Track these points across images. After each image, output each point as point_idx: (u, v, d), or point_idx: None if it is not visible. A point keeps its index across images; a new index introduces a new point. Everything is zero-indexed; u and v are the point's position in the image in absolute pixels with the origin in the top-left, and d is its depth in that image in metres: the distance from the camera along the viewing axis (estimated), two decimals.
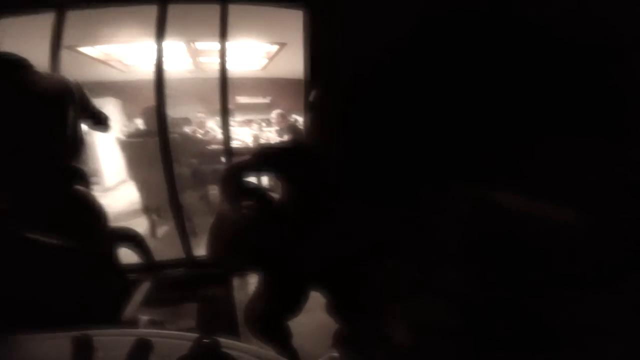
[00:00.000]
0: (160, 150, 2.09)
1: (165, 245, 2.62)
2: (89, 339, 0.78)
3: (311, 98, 1.23)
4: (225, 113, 2.26)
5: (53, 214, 0.97)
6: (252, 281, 2.04)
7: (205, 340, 0.65)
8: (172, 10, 2.10)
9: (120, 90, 4.90)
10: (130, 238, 1.19)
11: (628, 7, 1.44)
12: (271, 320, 1.23)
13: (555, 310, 1.30)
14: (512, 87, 1.78)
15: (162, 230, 3.03)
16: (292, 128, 3.93)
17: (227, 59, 2.17)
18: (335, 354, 0.71)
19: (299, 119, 4.19)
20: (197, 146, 3.55)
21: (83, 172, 1.71)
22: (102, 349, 0.78)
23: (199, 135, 3.82)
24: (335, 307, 1.27)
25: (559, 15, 1.61)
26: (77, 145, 1.66)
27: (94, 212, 1.08)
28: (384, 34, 1.85)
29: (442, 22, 1.84)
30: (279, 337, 1.24)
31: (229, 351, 0.68)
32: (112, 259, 1.07)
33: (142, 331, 0.93)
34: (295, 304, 1.26)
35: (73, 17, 2.08)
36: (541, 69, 1.75)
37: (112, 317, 1.07)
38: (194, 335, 0.75)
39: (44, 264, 0.94)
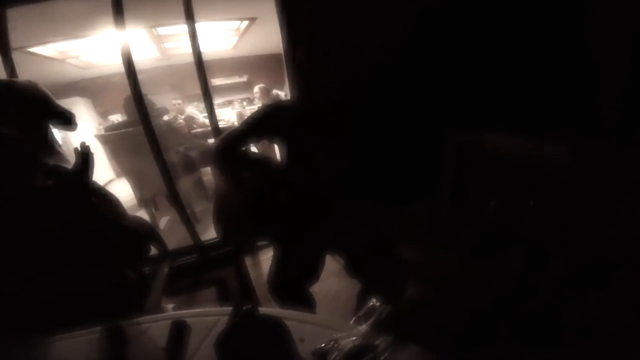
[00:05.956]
0: (147, 138, 2.02)
1: (171, 235, 2.60)
2: (122, 329, 0.78)
3: (298, 56, 1.18)
4: (207, 95, 2.18)
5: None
6: (265, 257, 2.08)
7: (243, 308, 0.64)
8: None
9: (85, 88, 4.62)
10: (143, 227, 1.17)
11: None
12: (294, 288, 1.25)
13: (555, 310, 1.32)
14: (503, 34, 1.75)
15: (163, 221, 3.01)
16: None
17: (198, 39, 2.06)
18: (377, 302, 0.72)
19: (280, 94, 4.10)
20: (181, 132, 3.45)
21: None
22: (139, 336, 0.79)
23: (181, 121, 3.71)
24: (354, 269, 1.29)
25: None
26: (50, 146, 1.57)
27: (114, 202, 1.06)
28: None
29: None
30: (304, 304, 1.27)
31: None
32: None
33: (174, 313, 0.93)
34: (313, 270, 1.28)
35: (15, 15, 1.85)
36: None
37: (138, 308, 1.07)
38: (226, 309, 0.74)
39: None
